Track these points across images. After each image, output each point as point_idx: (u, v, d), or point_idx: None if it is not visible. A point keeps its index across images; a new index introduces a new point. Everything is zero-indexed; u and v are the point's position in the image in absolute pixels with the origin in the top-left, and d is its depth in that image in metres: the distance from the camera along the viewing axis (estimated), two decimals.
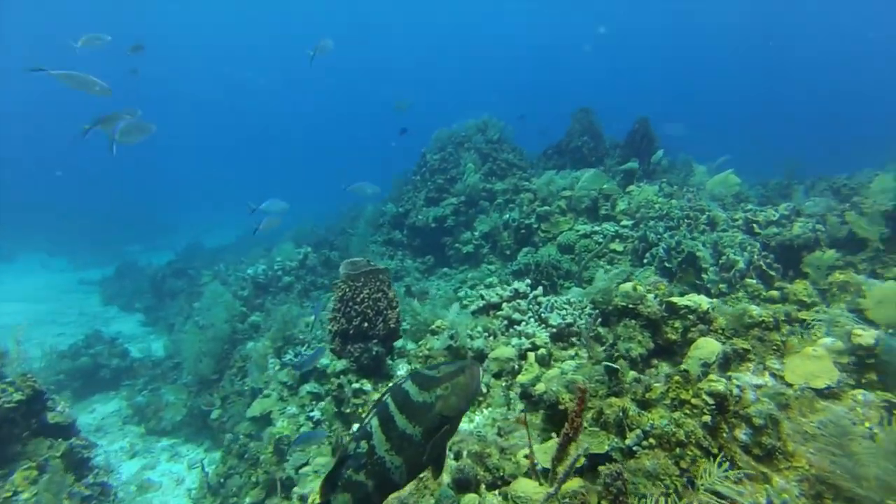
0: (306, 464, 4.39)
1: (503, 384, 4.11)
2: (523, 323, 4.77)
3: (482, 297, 5.35)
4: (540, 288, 5.16)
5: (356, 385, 4.53)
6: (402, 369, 4.76)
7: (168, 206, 28.23)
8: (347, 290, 4.69)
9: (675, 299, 4.09)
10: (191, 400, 7.26)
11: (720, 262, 5.59)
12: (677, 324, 4.00)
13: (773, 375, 3.15)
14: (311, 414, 4.88)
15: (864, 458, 2.29)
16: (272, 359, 5.97)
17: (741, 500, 2.00)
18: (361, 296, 4.64)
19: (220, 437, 6.34)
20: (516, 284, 5.20)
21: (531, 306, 4.92)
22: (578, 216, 7.64)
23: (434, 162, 9.84)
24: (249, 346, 7.12)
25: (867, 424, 2.69)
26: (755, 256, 5.42)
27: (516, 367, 4.19)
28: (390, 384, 1.92)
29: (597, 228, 7.08)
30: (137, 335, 11.18)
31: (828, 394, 3.00)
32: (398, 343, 5.02)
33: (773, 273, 5.34)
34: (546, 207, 7.82)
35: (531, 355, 4.16)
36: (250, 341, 7.44)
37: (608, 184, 7.66)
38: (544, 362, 4.04)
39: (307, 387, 5.12)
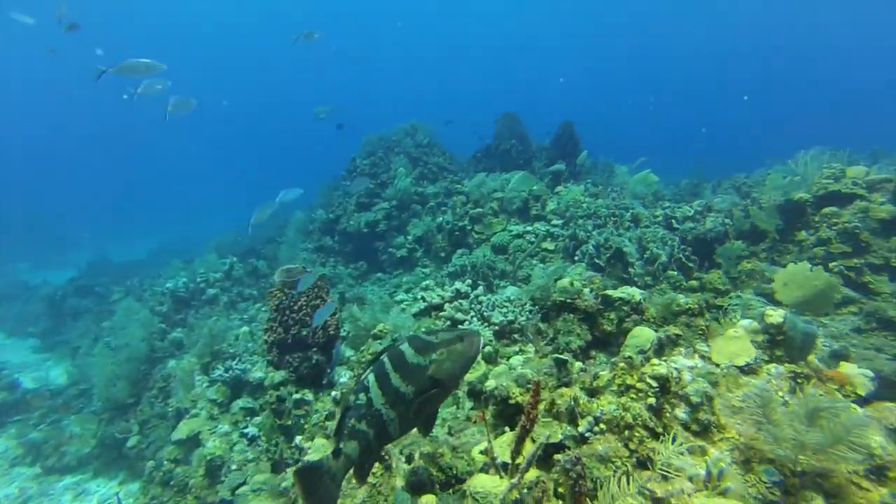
0: (244, 483, 4.13)
1: None
2: (466, 322, 4.80)
3: (423, 299, 5.32)
4: (481, 287, 5.22)
5: (297, 396, 4.33)
6: (344, 377, 4.62)
7: (60, 219, 25.34)
8: (284, 298, 4.48)
9: (610, 292, 4.29)
10: (101, 429, 6.57)
11: (645, 256, 5.95)
12: (612, 315, 4.20)
13: (702, 357, 3.38)
14: (246, 431, 4.61)
15: (782, 422, 2.51)
16: (199, 376, 5.57)
17: (691, 470, 2.12)
18: (299, 303, 4.45)
19: (139, 466, 5.80)
20: (457, 285, 5.23)
21: (473, 306, 4.96)
22: (510, 217, 7.85)
23: (364, 166, 9.71)
24: (172, 364, 6.61)
25: (780, 394, 2.97)
26: (675, 250, 5.83)
27: None
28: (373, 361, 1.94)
29: (529, 228, 7.30)
30: (30, 363, 9.95)
31: (747, 370, 3.27)
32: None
33: (691, 265, 5.77)
34: (479, 209, 7.95)
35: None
36: (172, 359, 6.90)
37: (537, 185, 7.93)
38: (490, 359, 4.08)
39: (240, 402, 4.83)
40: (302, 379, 4.49)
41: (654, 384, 2.62)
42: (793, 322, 3.42)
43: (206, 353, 5.71)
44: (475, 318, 4.85)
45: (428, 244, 8.18)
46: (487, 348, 4.11)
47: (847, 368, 3.32)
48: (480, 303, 5.01)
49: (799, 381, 3.16)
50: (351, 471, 1.88)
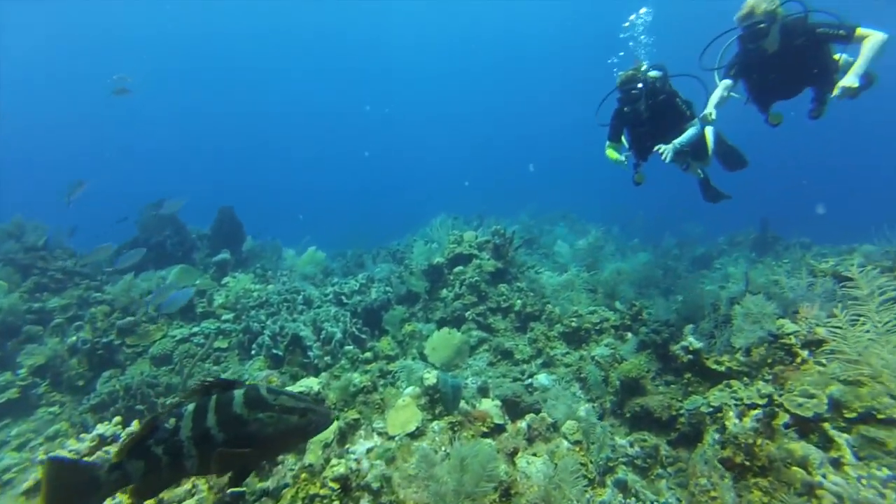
0: None
1: None
2: None
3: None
4: (134, 423, 4.28)
5: None
6: None
7: None
8: None
9: (288, 388, 4.15)
10: None
11: (321, 337, 6.08)
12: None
13: (379, 434, 3.60)
14: None
15: (443, 476, 2.87)
16: None
17: None
18: None
19: None
20: (100, 429, 4.13)
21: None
22: (172, 320, 6.87)
23: None
24: None
25: (443, 448, 3.41)
26: (348, 325, 6.17)
27: None
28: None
29: (196, 329, 6.53)
30: None
31: (417, 434, 3.65)
32: None
33: (364, 336, 6.20)
34: (130, 318, 6.67)
35: None
36: None
37: (201, 279, 7.24)
38: None
39: None
40: None
41: (336, 486, 2.60)
42: (444, 379, 4.02)
43: None
44: None
45: (56, 374, 6.30)
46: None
47: (485, 405, 4.09)
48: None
49: (455, 429, 3.69)
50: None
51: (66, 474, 1.69)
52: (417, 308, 7.00)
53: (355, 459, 2.92)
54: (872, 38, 4.05)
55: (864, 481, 2.79)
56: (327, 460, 2.89)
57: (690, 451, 3.88)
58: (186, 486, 2.86)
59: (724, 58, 5.09)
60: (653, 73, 5.21)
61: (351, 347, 5.90)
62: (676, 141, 4.89)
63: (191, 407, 1.79)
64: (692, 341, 4.53)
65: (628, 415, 4.50)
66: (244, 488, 2.78)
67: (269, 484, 2.90)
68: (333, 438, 3.52)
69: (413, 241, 9.42)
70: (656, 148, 4.89)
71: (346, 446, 3.48)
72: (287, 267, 8.13)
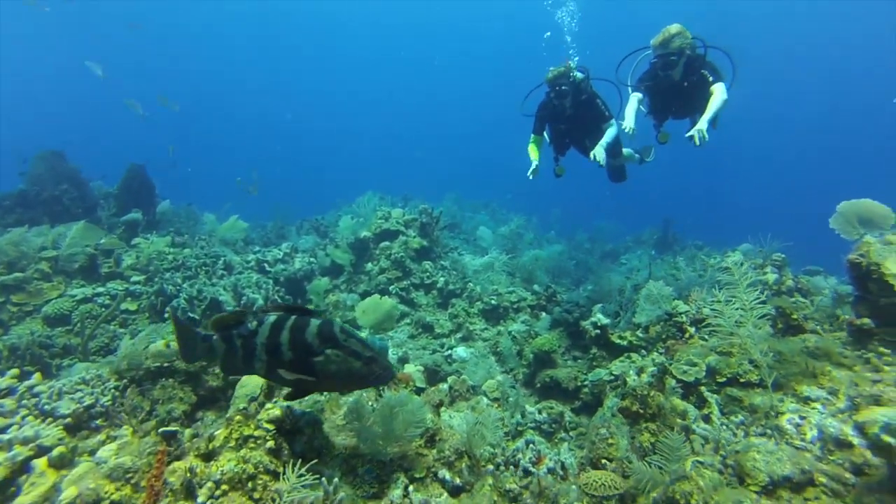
0: None
1: None
2: (13, 428, 3.57)
3: None
4: (36, 376, 4.01)
5: None
6: None
7: None
8: None
9: None
10: None
11: (242, 302, 5.97)
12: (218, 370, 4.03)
13: None
14: None
15: (373, 423, 3.07)
16: None
17: (311, 497, 2.30)
18: None
19: None
20: None
21: (25, 401, 3.75)
22: (71, 279, 6.36)
23: None
24: None
25: (370, 402, 3.60)
26: (271, 292, 6.11)
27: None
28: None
29: (101, 289, 6.11)
30: None
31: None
32: None
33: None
34: (18, 274, 6.08)
35: (40, 462, 3.19)
36: None
37: (107, 238, 6.75)
38: (63, 463, 3.18)
39: None
40: None
41: (272, 427, 2.70)
42: (372, 340, 4.20)
43: None
44: (30, 418, 3.67)
45: None
46: (59, 450, 3.18)
47: (408, 369, 4.33)
48: (37, 394, 3.83)
49: (380, 388, 3.88)
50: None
51: (185, 328, 2.16)
52: (341, 280, 7.07)
53: (288, 406, 3.01)
54: (719, 96, 4.94)
55: (724, 427, 3.40)
56: (261, 405, 2.95)
57: (590, 418, 4.37)
58: (110, 432, 2.79)
59: (635, 72, 5.69)
60: (577, 74, 5.65)
61: None
62: (602, 142, 5.35)
63: (272, 318, 1.97)
64: (600, 317, 5.06)
65: (539, 385, 4.94)
66: (176, 428, 2.78)
67: (201, 429, 2.90)
68: (261, 392, 3.57)
69: (339, 216, 9.40)
70: (591, 156, 5.23)
71: (274, 399, 3.54)
72: (206, 232, 7.78)
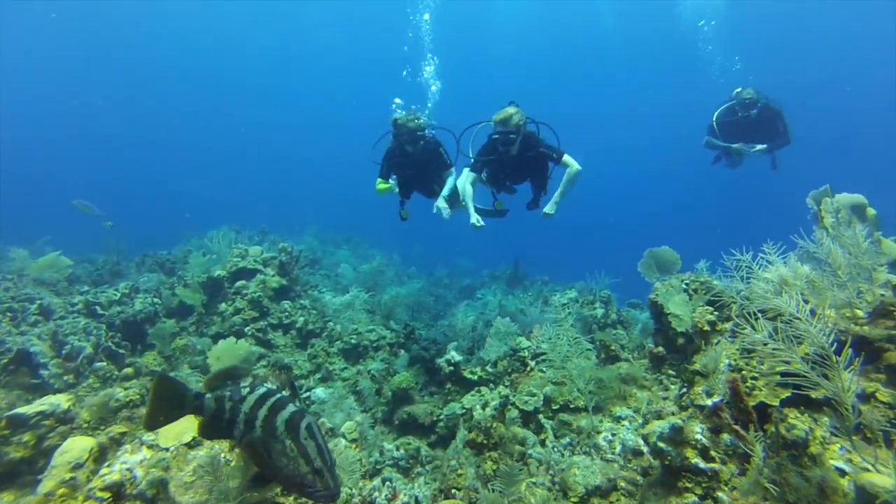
0: None
1: None
2: None
3: None
4: None
5: None
6: None
7: None
8: None
9: (21, 410, 3.55)
10: None
11: (64, 352, 5.20)
12: (28, 437, 3.49)
13: (151, 447, 3.38)
14: None
15: (233, 476, 2.94)
16: None
17: None
18: None
19: None
20: None
21: None
22: None
23: None
24: None
25: (222, 455, 3.42)
26: (103, 338, 5.42)
27: None
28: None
29: None
30: None
31: (194, 445, 3.55)
32: None
33: (122, 351, 5.51)
34: None
35: None
36: None
37: None
38: None
39: None
40: None
41: (107, 496, 2.45)
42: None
43: None
44: None
45: None
46: None
47: None
48: None
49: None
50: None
51: (170, 387, 2.01)
52: (190, 322, 6.54)
53: (128, 469, 2.74)
54: (571, 170, 5.37)
55: (555, 449, 3.89)
56: (95, 472, 2.62)
57: (445, 451, 4.63)
58: None
59: (474, 141, 5.85)
60: (423, 122, 5.94)
61: (105, 364, 5.19)
62: (442, 194, 5.78)
63: (261, 390, 1.95)
64: (454, 355, 5.41)
65: (397, 422, 5.09)
66: None
67: None
68: (90, 456, 3.18)
69: (188, 251, 8.69)
70: (435, 209, 5.62)
71: (108, 463, 3.17)
72: (15, 270, 6.62)
